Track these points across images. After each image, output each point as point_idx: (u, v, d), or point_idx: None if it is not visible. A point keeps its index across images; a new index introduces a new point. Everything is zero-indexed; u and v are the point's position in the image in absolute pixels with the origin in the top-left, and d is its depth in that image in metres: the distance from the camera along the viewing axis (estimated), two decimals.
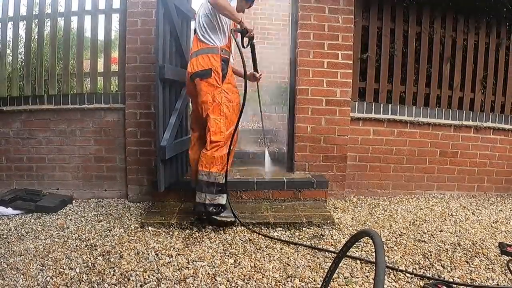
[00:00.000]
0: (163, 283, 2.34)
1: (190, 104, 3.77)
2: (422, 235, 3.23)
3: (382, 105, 4.35)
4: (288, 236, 3.16)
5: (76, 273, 2.48)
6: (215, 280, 2.40)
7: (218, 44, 3.21)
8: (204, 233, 3.17)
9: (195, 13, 3.40)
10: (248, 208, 3.61)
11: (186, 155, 4.05)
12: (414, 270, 2.58)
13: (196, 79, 3.21)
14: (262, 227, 3.27)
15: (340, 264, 1.79)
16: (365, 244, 2.96)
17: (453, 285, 2.35)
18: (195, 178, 3.30)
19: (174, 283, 2.35)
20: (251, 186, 3.82)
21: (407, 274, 2.50)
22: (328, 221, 3.35)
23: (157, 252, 2.78)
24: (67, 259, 2.69)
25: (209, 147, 3.18)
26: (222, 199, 3.22)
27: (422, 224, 3.52)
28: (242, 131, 4.94)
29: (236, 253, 2.78)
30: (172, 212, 3.54)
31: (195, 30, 3.30)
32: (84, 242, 3.00)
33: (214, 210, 3.19)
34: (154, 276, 2.43)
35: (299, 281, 2.39)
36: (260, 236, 3.11)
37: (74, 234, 3.18)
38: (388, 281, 2.41)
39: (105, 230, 3.29)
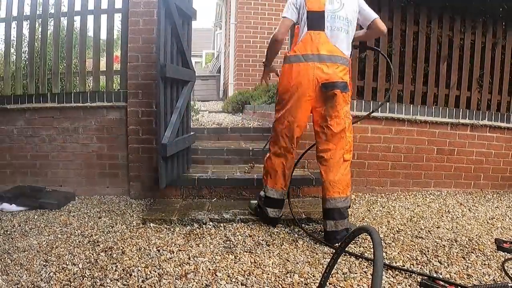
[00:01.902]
0: (164, 279, 2.33)
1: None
2: (419, 232, 3.22)
3: (380, 103, 4.33)
4: (287, 232, 3.15)
5: (79, 268, 2.48)
6: (216, 275, 2.39)
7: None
8: (204, 229, 3.16)
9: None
10: (248, 205, 3.60)
11: (187, 152, 4.06)
12: (412, 266, 2.57)
13: (336, 90, 2.87)
14: (262, 223, 3.27)
15: (338, 260, 1.79)
16: (363, 240, 2.96)
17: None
18: (286, 189, 3.20)
19: (175, 279, 2.34)
20: (251, 183, 3.82)
21: (405, 268, 2.49)
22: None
23: (158, 248, 2.77)
24: (70, 255, 2.68)
25: (345, 168, 2.96)
26: None
27: (420, 221, 3.52)
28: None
29: (237, 249, 2.78)
30: (173, 208, 3.54)
31: (323, 26, 2.88)
32: (87, 238, 3.00)
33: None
34: (155, 271, 2.42)
35: (299, 277, 2.38)
36: (260, 232, 3.11)
37: (77, 230, 3.17)
38: (386, 276, 2.40)
39: (108, 226, 3.28)
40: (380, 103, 3.60)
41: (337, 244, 2.84)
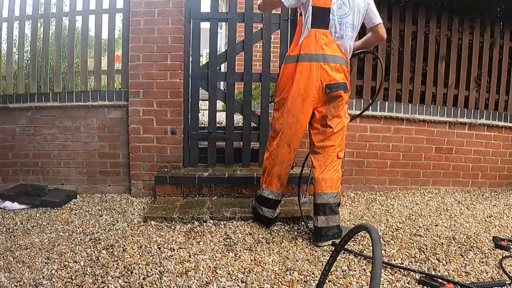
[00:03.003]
0: (165, 276, 2.33)
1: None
2: (418, 229, 3.22)
3: (379, 102, 4.33)
4: (287, 230, 3.15)
5: (81, 266, 2.48)
6: (216, 273, 2.39)
7: None
8: (205, 227, 3.16)
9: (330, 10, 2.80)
10: (249, 203, 3.59)
11: None
12: (410, 264, 2.57)
13: (340, 91, 2.86)
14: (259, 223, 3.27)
15: (338, 258, 1.78)
16: (362, 238, 2.96)
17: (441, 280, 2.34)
18: (281, 190, 3.14)
19: (176, 276, 2.34)
20: (251, 181, 3.81)
21: (404, 266, 2.49)
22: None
23: (159, 246, 2.77)
24: (71, 252, 2.68)
25: (338, 165, 2.97)
26: None
27: (418, 219, 3.51)
28: None
29: (237, 247, 2.77)
30: (174, 206, 3.53)
31: (333, 27, 2.82)
32: (88, 236, 2.99)
33: (342, 231, 2.95)
34: (156, 269, 2.42)
35: (298, 274, 2.38)
36: (260, 230, 3.11)
37: (78, 228, 3.17)
38: (385, 274, 2.40)
39: (109, 224, 3.28)
40: (370, 102, 3.57)
41: (327, 242, 2.85)
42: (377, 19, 2.98)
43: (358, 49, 3.18)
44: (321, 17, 2.79)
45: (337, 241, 2.78)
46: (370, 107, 4.24)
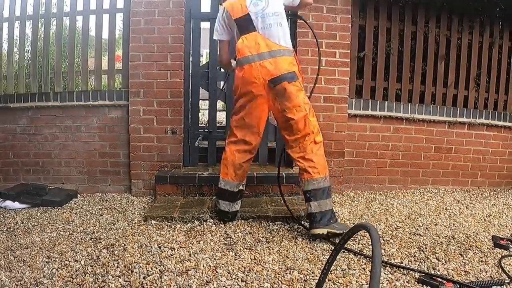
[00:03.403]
0: (165, 275, 2.33)
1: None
2: (417, 229, 3.22)
3: (378, 102, 4.33)
4: (287, 229, 3.15)
5: (81, 265, 2.47)
6: (216, 272, 2.38)
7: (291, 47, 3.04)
8: (205, 226, 3.16)
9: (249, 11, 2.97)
10: (249, 202, 3.59)
11: None
12: (410, 263, 2.57)
13: (284, 83, 2.89)
14: (262, 221, 3.27)
15: (337, 257, 1.78)
16: (362, 237, 2.95)
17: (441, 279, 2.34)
18: (239, 181, 3.19)
19: (176, 275, 2.34)
20: (251, 181, 3.81)
21: (403, 266, 2.49)
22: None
23: (159, 245, 2.76)
24: (72, 251, 2.68)
25: (318, 149, 2.97)
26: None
27: (417, 218, 3.51)
28: None
29: (237, 246, 2.77)
30: (174, 206, 3.53)
31: (254, 26, 2.95)
32: (89, 235, 2.99)
33: (338, 220, 3.00)
34: (157, 268, 2.42)
35: (298, 273, 2.37)
36: (260, 229, 3.10)
37: (79, 228, 3.17)
38: (384, 273, 2.40)
39: (109, 223, 3.28)
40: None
41: (323, 230, 2.84)
42: None
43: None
44: (245, 24, 2.96)
45: (337, 240, 2.79)
46: (370, 106, 4.26)
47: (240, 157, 3.12)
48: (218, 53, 3.13)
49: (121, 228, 3.15)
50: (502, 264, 2.55)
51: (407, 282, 2.30)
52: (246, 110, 3.02)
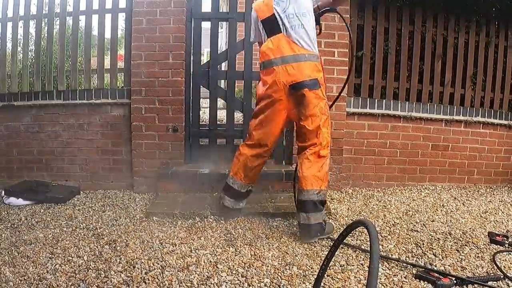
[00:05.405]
0: (167, 271, 2.33)
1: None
2: (414, 225, 3.22)
3: (376, 100, 4.32)
4: (286, 225, 3.15)
5: (84, 261, 2.47)
6: (217, 267, 2.38)
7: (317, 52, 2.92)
8: (206, 222, 3.16)
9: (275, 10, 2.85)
10: (249, 199, 3.58)
11: None
12: (407, 258, 2.56)
13: (304, 90, 2.80)
14: (262, 217, 3.26)
15: (336, 253, 1.78)
16: (360, 234, 2.95)
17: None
18: (248, 183, 3.13)
19: (178, 271, 2.33)
20: None
21: (403, 260, 2.49)
22: (325, 212, 3.33)
23: (161, 241, 2.76)
24: (75, 247, 2.68)
25: (320, 163, 2.86)
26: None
27: (415, 214, 3.51)
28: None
29: (237, 242, 2.77)
30: (175, 202, 3.53)
31: (283, 28, 2.84)
32: (92, 231, 2.99)
33: (325, 228, 2.90)
34: (158, 264, 2.42)
35: (297, 269, 2.37)
36: (260, 225, 3.10)
37: (82, 224, 3.17)
38: (382, 268, 2.39)
39: (112, 220, 3.27)
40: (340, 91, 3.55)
41: (310, 240, 2.81)
42: None
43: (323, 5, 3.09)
44: (271, 25, 2.86)
45: (335, 236, 2.78)
46: (368, 105, 4.25)
47: (253, 161, 3.06)
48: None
49: (123, 225, 3.14)
50: (496, 260, 2.55)
51: (405, 277, 2.30)
52: (265, 114, 2.94)
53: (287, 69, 2.79)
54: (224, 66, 5.13)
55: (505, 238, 2.87)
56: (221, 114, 5.00)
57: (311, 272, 2.34)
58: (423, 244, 2.80)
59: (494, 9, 4.53)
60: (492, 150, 4.70)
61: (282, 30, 2.83)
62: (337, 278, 2.28)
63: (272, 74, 2.83)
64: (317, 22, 2.98)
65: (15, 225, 3.16)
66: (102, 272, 2.31)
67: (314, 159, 2.86)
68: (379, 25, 4.35)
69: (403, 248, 2.72)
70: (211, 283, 2.20)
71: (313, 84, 2.81)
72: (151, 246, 2.68)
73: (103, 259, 2.49)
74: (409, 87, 4.48)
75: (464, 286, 2.22)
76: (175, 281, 2.22)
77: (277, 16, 2.83)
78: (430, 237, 2.95)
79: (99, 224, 3.16)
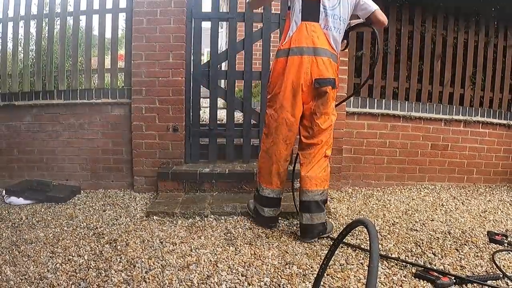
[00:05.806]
0: (167, 270, 2.33)
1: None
2: (414, 224, 3.21)
3: (376, 100, 4.31)
4: (286, 224, 3.14)
5: (84, 260, 2.47)
6: (217, 266, 2.38)
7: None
8: (206, 222, 3.16)
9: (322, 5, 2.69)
10: (249, 198, 3.58)
11: None
12: (407, 258, 2.56)
13: (328, 87, 2.74)
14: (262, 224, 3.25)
15: (336, 252, 1.78)
16: (359, 233, 2.95)
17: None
18: (282, 187, 3.01)
19: (178, 270, 2.33)
20: (252, 177, 3.80)
21: (403, 259, 2.48)
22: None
23: (161, 240, 2.76)
24: (75, 246, 2.67)
25: (324, 163, 2.86)
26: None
27: (414, 214, 3.51)
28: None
29: (237, 241, 2.77)
30: (175, 202, 3.53)
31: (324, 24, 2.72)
32: (92, 231, 2.99)
33: (327, 228, 2.91)
34: (158, 263, 2.42)
35: (297, 268, 2.37)
36: None
37: (82, 223, 3.16)
38: (382, 267, 2.39)
39: (112, 219, 3.27)
40: (347, 96, 3.56)
41: (312, 240, 2.81)
42: (372, 6, 2.76)
43: (356, 29, 3.06)
44: (311, 10, 2.68)
45: (335, 235, 2.78)
46: (367, 104, 4.25)
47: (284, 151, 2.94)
48: None
49: (124, 224, 3.14)
50: (495, 259, 2.54)
51: (404, 276, 2.30)
52: (279, 103, 2.84)
53: (318, 62, 2.70)
54: (224, 66, 5.12)
55: (504, 237, 2.87)
56: (221, 114, 5.00)
57: (311, 271, 2.34)
58: (422, 243, 2.80)
59: (493, 9, 4.53)
60: (491, 149, 4.70)
61: (320, 20, 2.70)
62: (337, 277, 2.28)
63: (300, 63, 2.70)
64: (345, 37, 2.92)
65: (16, 225, 3.16)
66: (103, 271, 2.31)
67: (319, 158, 2.84)
68: None
69: (403, 247, 2.72)
70: (211, 282, 2.20)
71: (334, 83, 2.78)
72: (152, 245, 2.68)
73: (104, 258, 2.49)
74: (409, 86, 4.47)
75: (464, 285, 2.22)
76: (175, 280, 2.22)
77: (322, 8, 2.68)
78: (430, 236, 2.95)
79: (100, 224, 3.16)
